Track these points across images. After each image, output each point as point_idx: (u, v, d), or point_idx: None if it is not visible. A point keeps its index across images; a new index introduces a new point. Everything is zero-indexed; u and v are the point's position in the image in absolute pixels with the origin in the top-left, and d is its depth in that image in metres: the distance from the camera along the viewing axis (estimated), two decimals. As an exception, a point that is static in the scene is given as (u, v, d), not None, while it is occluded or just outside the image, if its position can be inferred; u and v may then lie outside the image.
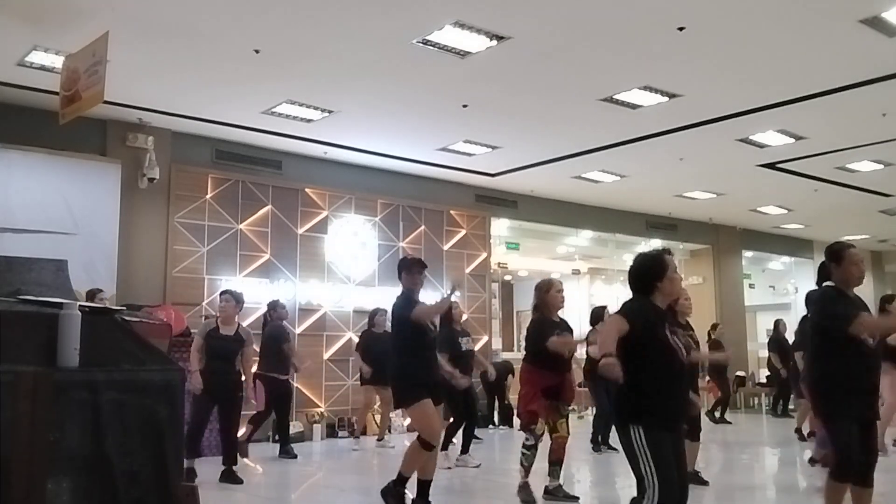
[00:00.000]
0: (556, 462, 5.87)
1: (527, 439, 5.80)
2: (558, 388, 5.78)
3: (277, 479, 7.74)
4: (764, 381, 14.67)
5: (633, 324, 3.47)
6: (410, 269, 5.78)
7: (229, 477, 6.85)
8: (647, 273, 3.65)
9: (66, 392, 2.39)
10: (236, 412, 7.16)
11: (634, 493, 5.05)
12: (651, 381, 3.46)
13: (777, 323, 12.75)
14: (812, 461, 7.36)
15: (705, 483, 6.57)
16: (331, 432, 10.39)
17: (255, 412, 8.39)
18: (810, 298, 4.62)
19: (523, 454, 5.83)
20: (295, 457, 8.54)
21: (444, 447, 7.63)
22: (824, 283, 4.41)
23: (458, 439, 8.16)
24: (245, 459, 8.06)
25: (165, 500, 2.57)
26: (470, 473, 7.57)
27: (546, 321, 5.83)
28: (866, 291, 9.25)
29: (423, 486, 5.36)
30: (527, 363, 5.95)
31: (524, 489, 5.82)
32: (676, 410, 3.55)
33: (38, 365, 2.39)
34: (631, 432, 3.44)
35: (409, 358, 5.36)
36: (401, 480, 5.32)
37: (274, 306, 8.95)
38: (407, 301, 5.58)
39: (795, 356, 9.57)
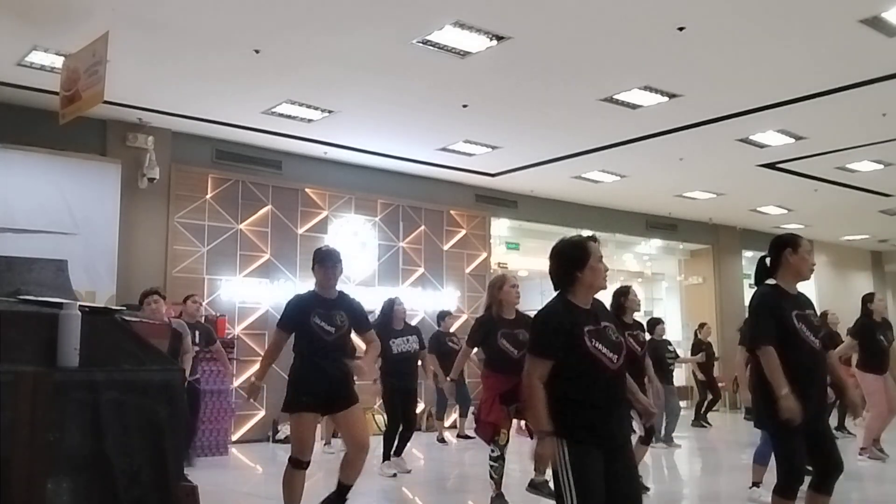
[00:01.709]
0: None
1: (492, 451, 5.51)
2: (515, 390, 5.33)
3: (277, 478, 7.71)
4: None
5: (553, 351, 3.13)
6: (323, 262, 4.85)
7: None
8: (567, 261, 3.28)
9: (66, 392, 2.39)
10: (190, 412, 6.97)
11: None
12: (574, 391, 3.10)
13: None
14: (755, 484, 6.04)
15: (646, 489, 6.14)
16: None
17: None
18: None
19: (491, 466, 5.55)
20: (192, 465, 7.77)
21: (387, 455, 7.36)
22: (766, 282, 4.06)
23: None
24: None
25: (165, 500, 2.57)
26: (417, 476, 7.34)
27: (493, 320, 5.55)
28: (866, 291, 9.23)
29: (341, 489, 4.99)
30: (484, 367, 5.75)
31: (498, 499, 5.59)
32: (605, 423, 3.13)
33: (38, 365, 2.39)
34: (556, 445, 3.08)
35: (297, 361, 4.90)
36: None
37: (185, 300, 8.15)
38: (303, 301, 4.91)
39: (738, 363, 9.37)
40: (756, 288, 4.16)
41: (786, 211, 14.90)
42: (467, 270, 12.45)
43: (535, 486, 5.78)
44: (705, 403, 12.51)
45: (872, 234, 17.63)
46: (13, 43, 7.05)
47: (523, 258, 15.08)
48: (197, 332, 8.04)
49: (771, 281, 4.04)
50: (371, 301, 10.43)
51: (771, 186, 12.75)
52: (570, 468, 3.04)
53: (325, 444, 9.16)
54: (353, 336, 5.06)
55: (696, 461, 9.25)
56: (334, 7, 6.37)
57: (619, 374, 3.21)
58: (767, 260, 4.10)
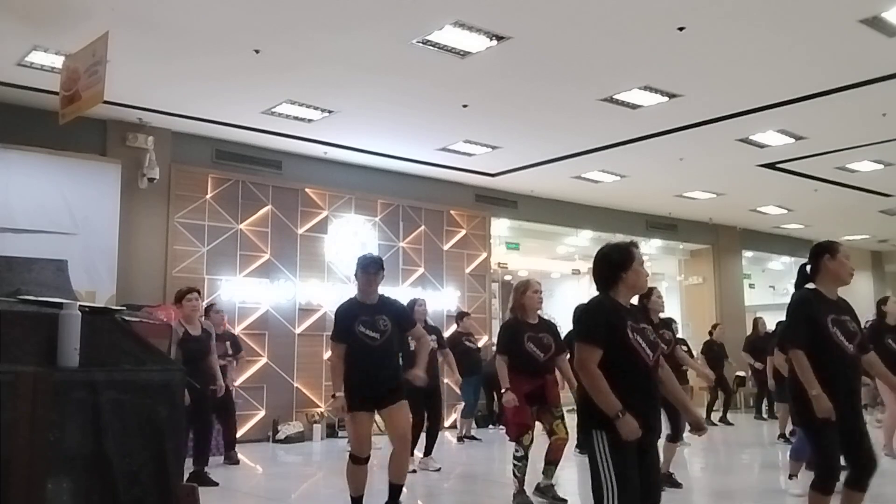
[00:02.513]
0: (552, 462, 5.80)
1: (516, 450, 5.67)
2: (541, 391, 5.67)
3: (277, 479, 7.73)
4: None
5: (602, 339, 3.30)
6: (366, 269, 5.07)
7: (201, 479, 6.56)
8: (612, 263, 3.49)
9: (66, 392, 2.39)
10: (209, 414, 7.05)
11: None
12: (615, 384, 3.23)
13: (756, 322, 12.73)
14: (791, 476, 6.42)
15: (679, 486, 6.43)
16: (331, 432, 10.38)
17: None
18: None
19: (515, 465, 5.69)
20: (237, 462, 8.12)
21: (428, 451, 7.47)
22: (805, 286, 4.22)
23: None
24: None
25: (165, 500, 2.57)
26: (433, 477, 7.41)
27: (520, 324, 5.71)
28: (866, 291, 9.26)
29: (393, 491, 5.17)
30: (507, 369, 5.78)
31: (520, 496, 5.73)
32: (641, 414, 3.26)
33: (38, 365, 2.39)
34: (594, 438, 3.27)
35: (348, 367, 5.02)
36: (354, 501, 5.13)
37: (207, 311, 8.19)
38: (347, 311, 5.11)
39: (768, 359, 9.52)
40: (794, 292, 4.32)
41: (786, 211, 14.90)
42: (467, 270, 12.44)
43: (542, 491, 5.83)
44: (722, 403, 12.53)
45: (872, 234, 17.63)
46: (13, 43, 7.05)
47: (523, 258, 15.11)
48: (227, 343, 8.27)
49: (811, 285, 4.21)
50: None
51: (771, 186, 12.76)
52: (611, 460, 3.20)
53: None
54: None
55: (709, 458, 9.26)
56: (334, 7, 6.37)
57: (654, 370, 3.43)
58: (808, 267, 4.27)
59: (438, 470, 7.58)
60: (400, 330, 5.14)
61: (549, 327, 5.89)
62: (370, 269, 5.03)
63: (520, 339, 5.62)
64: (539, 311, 5.86)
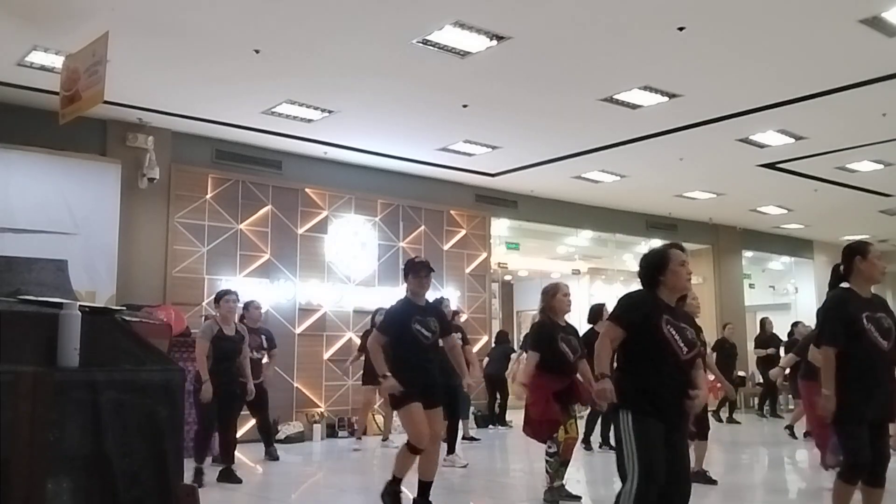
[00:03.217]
0: (563, 462, 5.88)
1: (549, 447, 5.80)
2: (569, 390, 5.79)
3: (277, 479, 7.73)
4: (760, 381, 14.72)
5: (627, 322, 3.55)
6: (418, 272, 5.39)
7: (229, 476, 6.82)
8: (650, 266, 3.70)
9: (66, 392, 2.38)
10: (238, 412, 7.19)
11: None
12: (644, 369, 3.49)
13: (763, 321, 12.74)
14: (827, 467, 6.80)
15: (713, 482, 6.57)
16: (331, 432, 10.39)
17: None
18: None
19: (547, 461, 5.84)
20: (277, 458, 8.37)
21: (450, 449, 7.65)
22: (839, 285, 4.38)
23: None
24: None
25: (165, 500, 2.57)
26: (458, 473, 7.53)
27: (552, 325, 5.85)
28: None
29: (423, 487, 5.32)
30: (535, 368, 5.86)
31: (551, 492, 5.85)
32: (669, 401, 3.48)
33: (38, 365, 2.39)
34: (620, 416, 3.45)
35: (400, 362, 5.23)
36: (395, 480, 5.30)
37: (246, 306, 8.27)
38: (403, 309, 5.35)
39: (783, 358, 9.65)
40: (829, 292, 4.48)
41: (786, 211, 14.90)
42: (467, 270, 12.45)
43: (550, 491, 5.86)
44: (726, 403, 12.56)
45: (872, 234, 17.59)
46: (13, 43, 7.06)
47: (523, 258, 15.11)
48: (262, 337, 8.36)
49: (845, 284, 4.36)
50: (372, 301, 10.48)
51: (771, 186, 12.75)
52: (635, 437, 3.37)
53: (382, 440, 9.47)
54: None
55: (719, 456, 9.29)
56: (334, 7, 6.37)
57: (688, 363, 3.57)
58: (841, 268, 4.42)
59: (465, 466, 7.78)
60: (441, 334, 5.42)
61: (575, 331, 6.07)
62: (422, 272, 5.36)
63: (554, 340, 5.74)
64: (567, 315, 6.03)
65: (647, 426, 3.37)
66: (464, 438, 10.23)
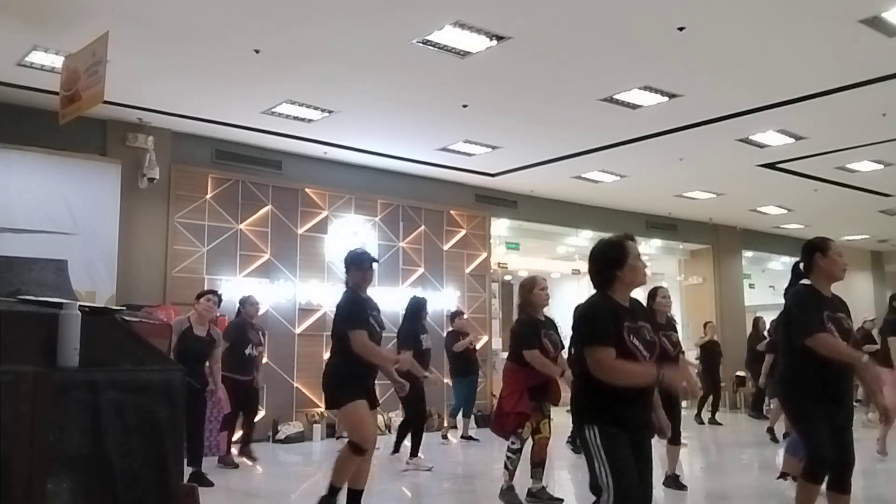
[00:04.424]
0: (538, 464, 5.78)
1: (512, 442, 5.68)
2: (545, 387, 5.71)
3: (277, 479, 7.74)
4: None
5: (607, 335, 3.22)
6: (361, 265, 5.08)
7: (199, 479, 6.48)
8: (606, 261, 3.36)
9: (66, 392, 2.39)
10: (196, 417, 6.84)
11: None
12: (608, 385, 3.19)
13: (756, 321, 12.73)
14: (783, 475, 6.29)
15: (684, 488, 6.39)
16: (331, 432, 10.38)
17: (224, 415, 8.04)
18: (786, 297, 4.34)
19: (508, 458, 5.70)
20: (255, 459, 8.16)
21: (396, 449, 7.44)
22: (800, 282, 4.22)
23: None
24: (246, 460, 8.06)
25: (165, 500, 2.57)
26: (422, 476, 7.39)
27: (533, 321, 5.75)
28: (865, 291, 9.26)
29: (355, 496, 4.93)
30: (511, 362, 5.83)
31: (509, 492, 5.70)
32: (634, 411, 3.27)
33: (38, 365, 2.39)
34: (586, 432, 3.23)
35: (343, 358, 4.90)
36: (332, 492, 4.85)
37: (243, 302, 8.24)
38: (351, 305, 5.03)
39: (766, 357, 9.63)
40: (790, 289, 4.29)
41: (786, 211, 14.90)
42: (467, 270, 12.45)
43: (535, 495, 5.80)
44: (709, 403, 12.51)
45: (872, 234, 17.63)
46: (13, 43, 7.05)
47: (523, 258, 15.10)
48: (260, 333, 8.30)
49: (805, 282, 4.20)
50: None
51: (771, 186, 12.75)
52: (604, 452, 3.17)
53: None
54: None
55: (700, 459, 9.26)
56: (334, 7, 6.37)
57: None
58: (801, 265, 4.26)
59: (430, 469, 7.56)
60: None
61: (555, 325, 5.97)
62: (365, 263, 5.09)
63: (538, 334, 5.66)
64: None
65: (615, 441, 3.17)
66: (462, 437, 10.26)
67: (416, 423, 7.84)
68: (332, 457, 5.07)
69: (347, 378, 4.85)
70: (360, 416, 4.84)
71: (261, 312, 10.02)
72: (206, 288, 9.56)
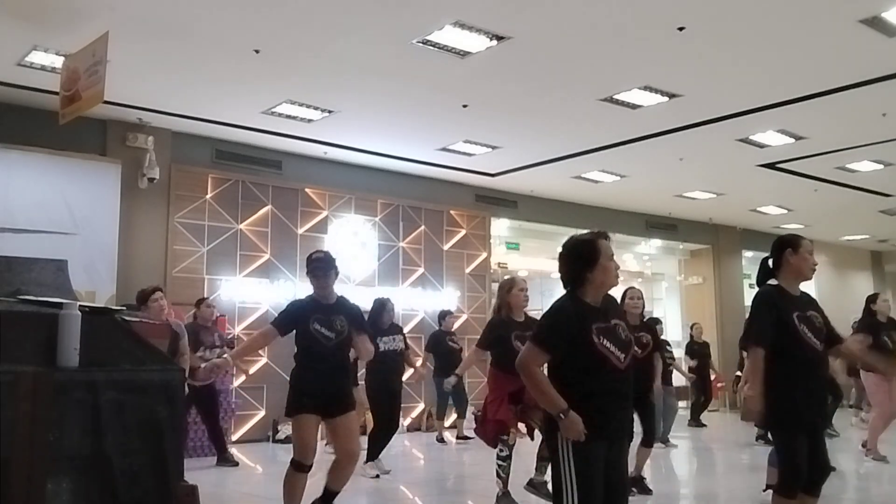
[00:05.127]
0: (546, 458, 5.57)
1: (500, 450, 5.54)
2: (522, 391, 5.37)
3: (277, 479, 7.72)
4: None
5: (552, 346, 3.14)
6: (314, 271, 4.81)
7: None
8: (577, 261, 3.21)
9: (66, 392, 2.39)
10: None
11: None
12: (581, 387, 3.07)
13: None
14: (769, 487, 6.13)
15: (649, 492, 6.22)
16: (330, 432, 10.35)
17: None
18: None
19: (498, 465, 5.58)
20: (236, 464, 7.84)
21: (373, 456, 7.18)
22: (767, 283, 4.06)
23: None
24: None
25: (165, 500, 2.57)
26: (451, 474, 7.39)
27: (507, 322, 5.60)
28: (866, 291, 9.24)
29: (329, 496, 4.85)
30: (493, 367, 5.70)
31: (504, 498, 5.61)
32: (610, 416, 3.12)
33: (38, 365, 2.39)
34: (558, 440, 3.07)
35: (299, 367, 4.89)
36: None
37: (198, 304, 8.10)
38: (304, 305, 4.90)
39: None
40: (758, 289, 4.15)
41: (786, 211, 14.89)
42: (467, 270, 12.45)
43: (534, 486, 5.76)
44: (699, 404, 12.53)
45: (872, 234, 17.63)
46: (13, 43, 7.05)
47: (523, 258, 15.08)
48: (215, 334, 8.13)
49: (773, 282, 4.04)
50: (371, 301, 10.43)
51: (771, 186, 12.75)
52: (573, 462, 3.03)
53: (326, 444, 9.18)
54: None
55: (693, 461, 9.26)
56: (334, 7, 6.37)
57: (626, 372, 3.17)
58: (769, 261, 4.10)
59: (377, 477, 7.10)
60: (354, 332, 4.88)
61: (532, 325, 5.84)
62: (318, 271, 4.79)
63: (507, 338, 5.48)
64: (525, 309, 5.75)
65: (587, 450, 3.03)
66: (458, 438, 10.24)
67: (385, 431, 7.40)
68: (332, 457, 5.05)
69: (295, 388, 4.81)
70: (299, 431, 4.75)
71: (261, 312, 10.08)
72: (206, 288, 9.63)
